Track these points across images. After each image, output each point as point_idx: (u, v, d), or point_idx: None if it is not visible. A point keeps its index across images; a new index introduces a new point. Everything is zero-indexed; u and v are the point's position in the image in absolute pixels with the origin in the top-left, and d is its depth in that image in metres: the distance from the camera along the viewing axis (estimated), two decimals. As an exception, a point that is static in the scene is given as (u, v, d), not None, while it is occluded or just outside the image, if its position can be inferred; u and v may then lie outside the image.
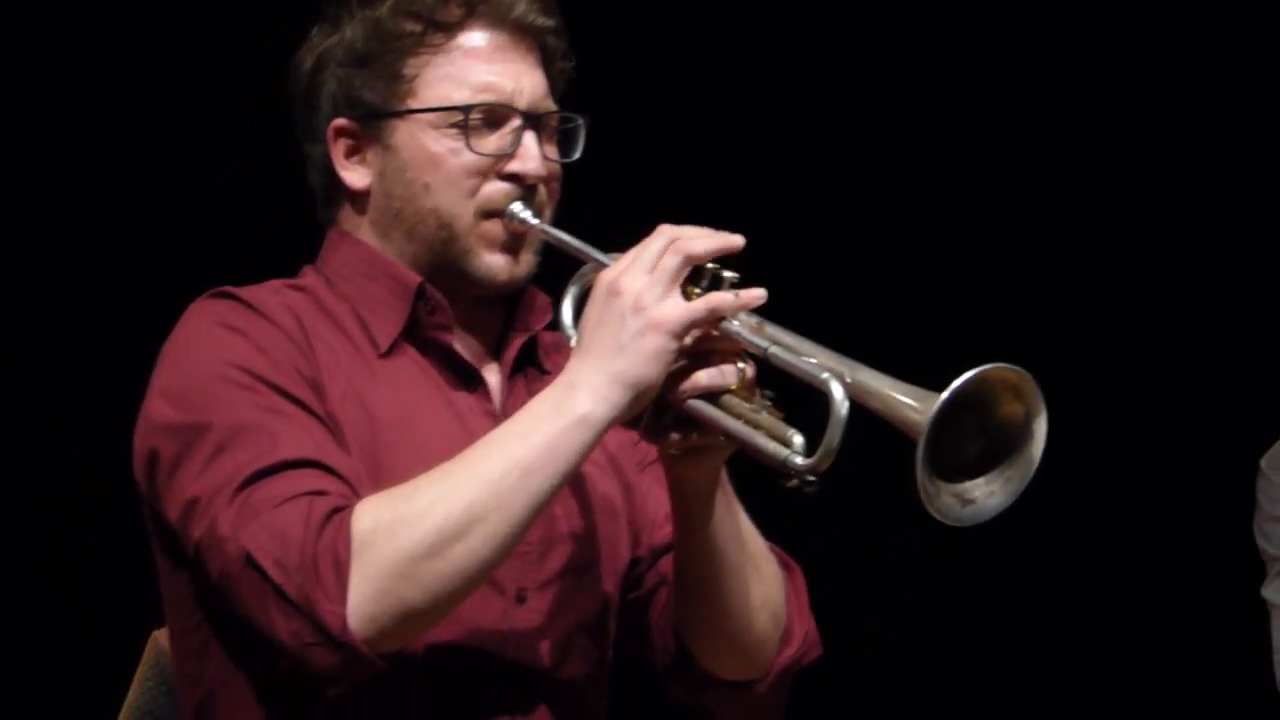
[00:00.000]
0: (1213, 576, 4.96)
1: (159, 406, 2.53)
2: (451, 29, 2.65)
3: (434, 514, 2.38)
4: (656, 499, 2.70)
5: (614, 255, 2.59)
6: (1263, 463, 4.13)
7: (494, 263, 2.64)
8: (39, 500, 4.61)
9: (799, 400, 2.44)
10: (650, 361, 2.43)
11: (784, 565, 2.71)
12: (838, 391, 2.35)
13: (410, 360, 2.65)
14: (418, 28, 2.65)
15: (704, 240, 2.47)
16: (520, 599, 2.60)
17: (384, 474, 2.52)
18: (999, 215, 5.23)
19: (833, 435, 2.35)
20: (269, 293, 2.63)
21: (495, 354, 2.71)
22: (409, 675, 2.49)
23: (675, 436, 2.50)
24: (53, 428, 4.65)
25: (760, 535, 2.66)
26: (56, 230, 4.56)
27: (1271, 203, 5.11)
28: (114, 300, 4.54)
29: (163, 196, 4.60)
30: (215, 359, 2.53)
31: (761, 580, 2.64)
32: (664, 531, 2.70)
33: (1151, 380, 5.21)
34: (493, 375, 2.69)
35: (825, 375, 2.37)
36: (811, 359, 2.41)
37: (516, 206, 2.64)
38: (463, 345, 2.68)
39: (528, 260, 2.67)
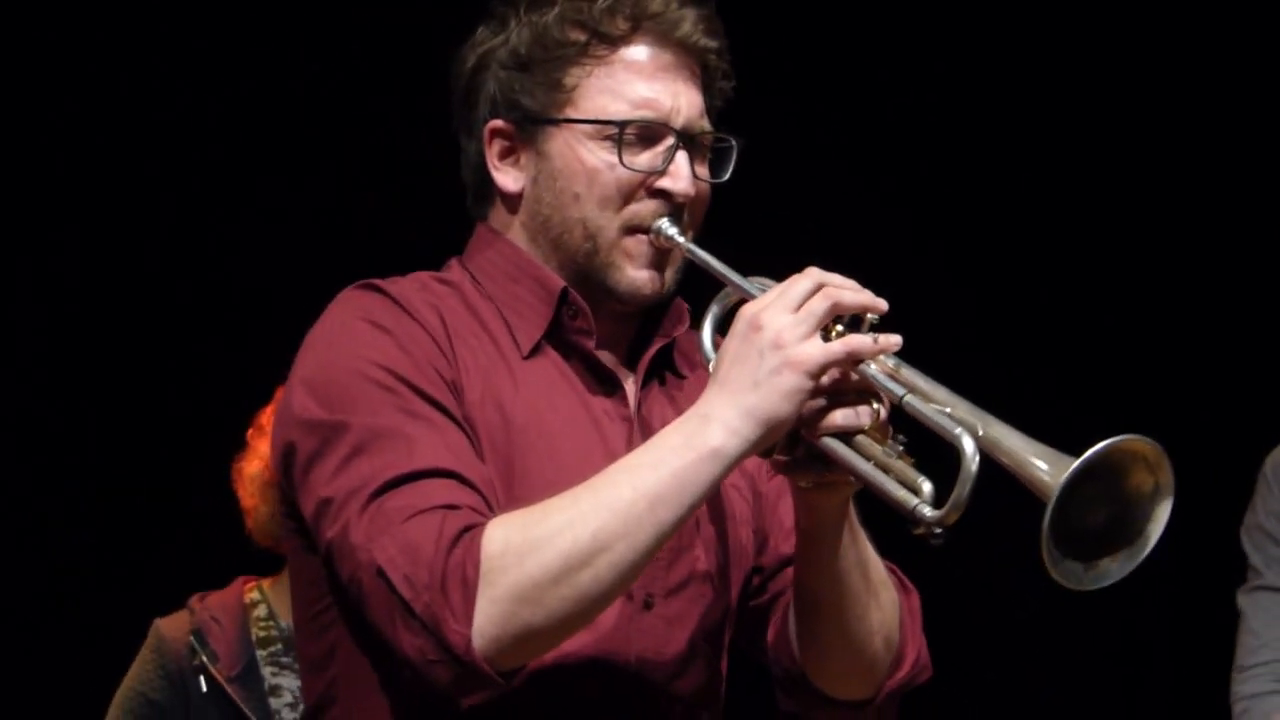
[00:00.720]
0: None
1: (300, 398, 2.56)
2: (615, 42, 2.66)
3: (561, 541, 2.41)
4: (785, 508, 2.73)
5: (755, 279, 2.63)
6: (1266, 464, 3.98)
7: (637, 278, 2.67)
8: (39, 500, 4.69)
9: (932, 445, 2.45)
10: (785, 399, 2.44)
11: (901, 586, 2.74)
12: (969, 447, 2.36)
13: (550, 363, 2.67)
14: (583, 37, 2.66)
15: (853, 294, 2.48)
16: (647, 605, 2.63)
17: (516, 477, 2.56)
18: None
19: (962, 490, 2.36)
20: (415, 287, 2.66)
21: (630, 361, 2.74)
22: (531, 679, 2.52)
23: (806, 471, 2.52)
24: (53, 422, 4.72)
25: (880, 561, 2.69)
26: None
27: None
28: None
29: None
30: (359, 356, 2.55)
31: (879, 607, 2.67)
32: (790, 542, 2.71)
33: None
34: (628, 381, 2.72)
35: (958, 430, 2.38)
36: (945, 409, 2.42)
37: (663, 223, 2.66)
38: (601, 352, 2.70)
39: (670, 277, 2.69)
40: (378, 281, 2.65)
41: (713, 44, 2.71)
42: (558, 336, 2.69)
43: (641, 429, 2.67)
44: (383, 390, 2.53)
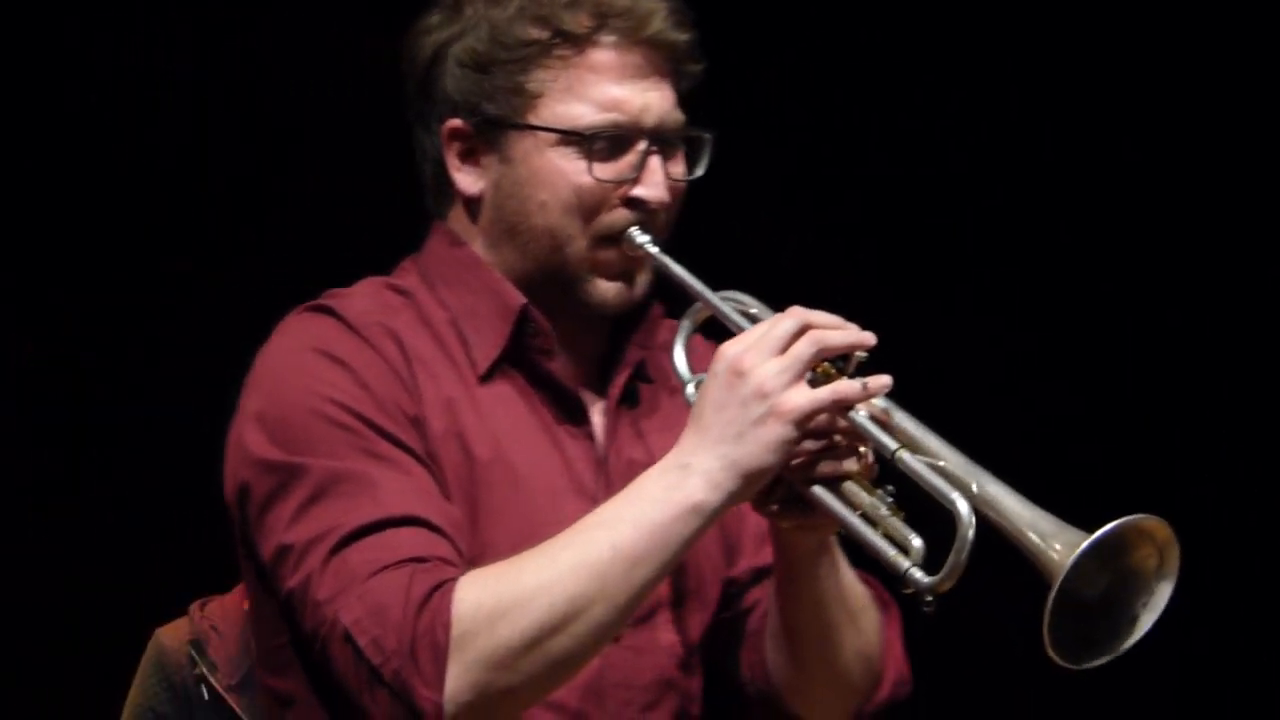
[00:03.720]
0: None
1: (253, 436, 2.46)
2: (579, 41, 2.52)
3: (537, 605, 2.32)
4: (755, 517, 2.59)
5: (726, 294, 2.53)
6: None
7: (607, 290, 2.56)
8: (40, 498, 4.56)
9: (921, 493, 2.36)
10: (769, 451, 2.34)
11: (880, 602, 2.64)
12: (964, 510, 2.27)
13: (510, 386, 2.56)
14: (544, 35, 2.52)
15: (839, 334, 2.37)
16: (615, 637, 2.52)
17: (483, 517, 2.47)
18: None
19: (958, 558, 2.27)
20: (367, 305, 2.54)
21: (599, 371, 2.62)
22: None
23: (788, 515, 2.43)
24: (56, 427, 4.57)
25: (859, 583, 2.59)
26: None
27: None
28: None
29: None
30: (313, 393, 2.45)
31: (859, 632, 2.58)
32: (763, 554, 2.63)
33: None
34: (595, 407, 2.61)
35: (954, 495, 2.29)
36: (939, 461, 2.32)
37: (634, 231, 2.54)
38: (564, 366, 2.59)
39: (642, 283, 2.57)
40: (328, 302, 2.54)
41: (683, 38, 2.57)
42: (517, 355, 2.57)
43: (609, 458, 2.57)
44: (342, 430, 2.42)
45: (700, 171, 2.59)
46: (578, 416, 2.58)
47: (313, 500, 2.39)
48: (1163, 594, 2.27)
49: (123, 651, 3.77)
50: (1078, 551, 2.19)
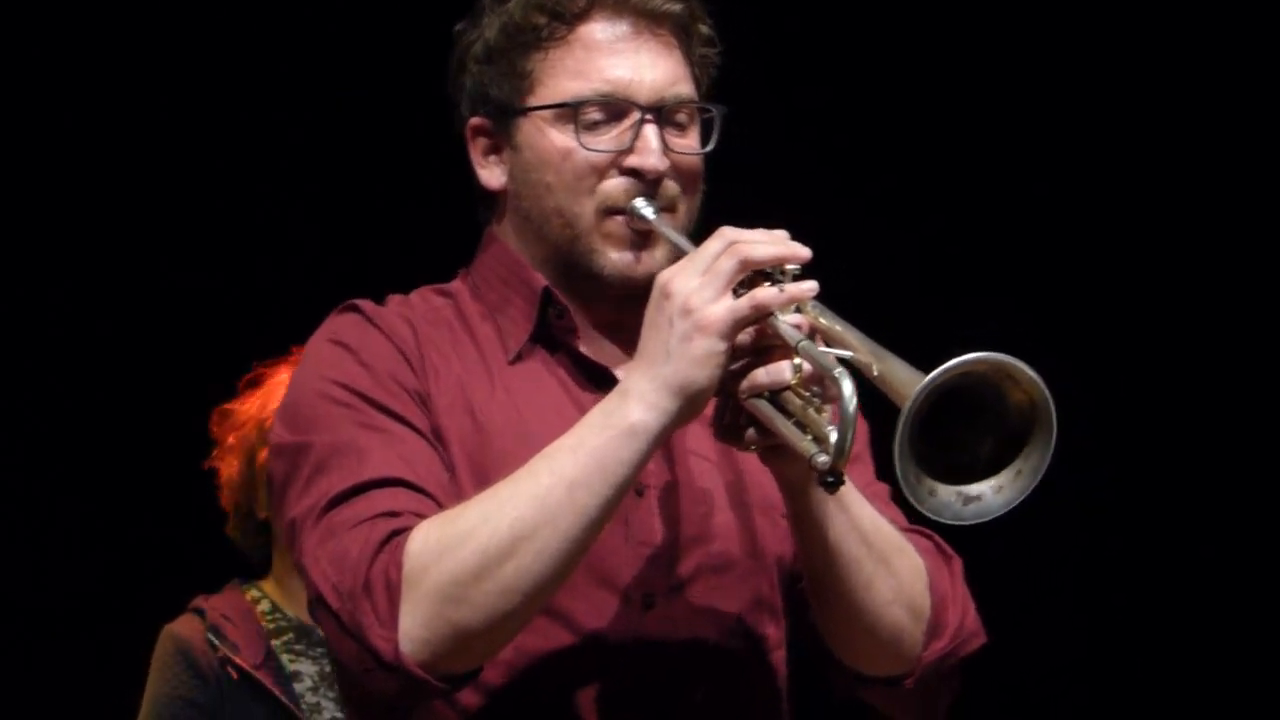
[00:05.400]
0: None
1: (276, 426, 2.57)
2: (572, 21, 2.58)
3: (478, 535, 2.36)
4: None
5: None
6: None
7: (620, 260, 2.58)
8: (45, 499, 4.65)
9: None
10: (698, 365, 2.36)
11: (939, 552, 2.59)
12: (847, 388, 2.27)
13: (540, 365, 2.60)
14: (543, 20, 2.58)
15: (765, 246, 2.39)
16: (648, 604, 2.52)
17: (494, 478, 2.47)
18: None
19: (843, 432, 2.27)
20: (399, 302, 2.63)
21: (627, 342, 2.60)
22: (524, 688, 2.47)
23: (751, 435, 2.41)
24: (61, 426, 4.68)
25: (892, 527, 2.54)
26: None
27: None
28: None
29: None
30: (320, 377, 2.54)
31: (891, 573, 2.51)
32: None
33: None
34: (623, 369, 2.59)
35: (837, 371, 2.29)
36: (845, 353, 2.32)
37: (638, 203, 2.56)
38: (597, 346, 2.62)
39: (660, 257, 2.57)
40: (360, 301, 2.62)
41: (677, 7, 2.60)
42: (547, 337, 2.61)
43: None
44: (340, 407, 2.51)
45: (710, 146, 2.61)
46: (605, 386, 2.57)
47: (314, 474, 2.47)
48: (1046, 421, 2.27)
49: (127, 651, 3.74)
50: (916, 388, 2.21)
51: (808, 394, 2.35)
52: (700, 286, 2.36)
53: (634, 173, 2.56)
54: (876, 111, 4.79)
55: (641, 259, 2.57)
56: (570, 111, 2.55)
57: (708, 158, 2.62)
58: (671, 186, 2.57)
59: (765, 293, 2.36)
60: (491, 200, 2.66)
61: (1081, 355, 4.71)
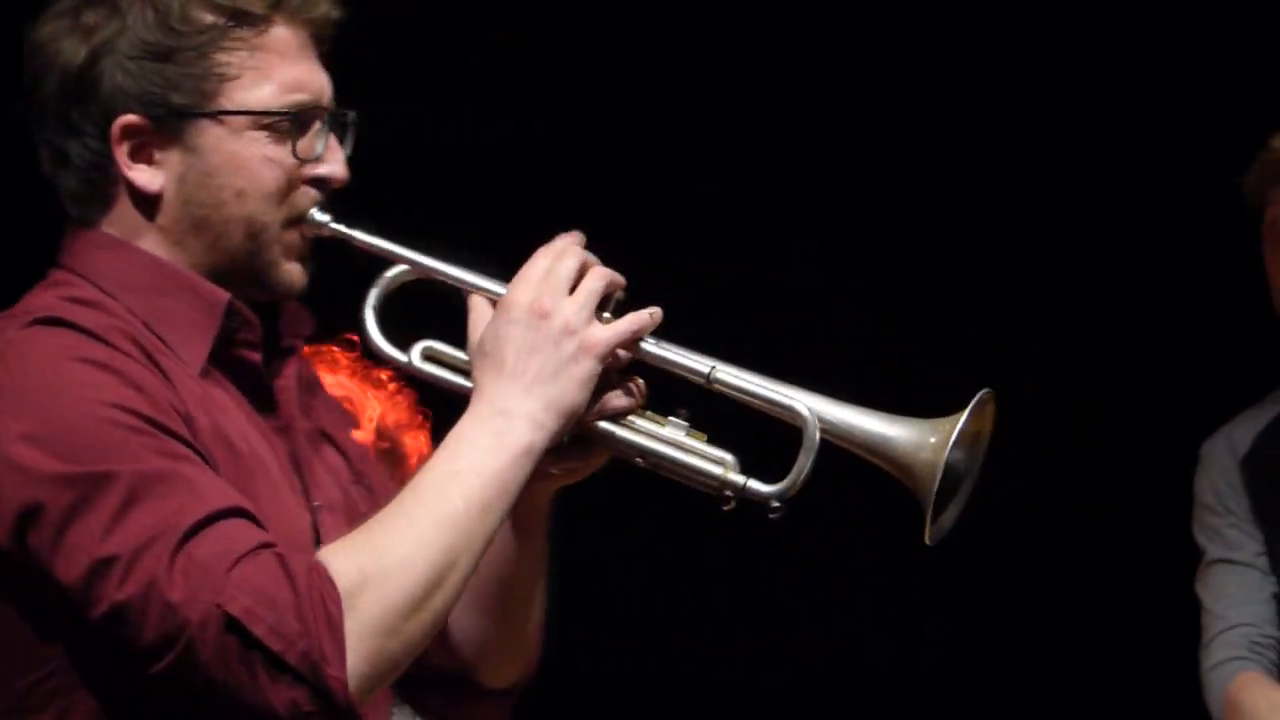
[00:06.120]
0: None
1: (30, 455, 2.30)
2: (258, 22, 2.48)
3: (417, 564, 2.32)
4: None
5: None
6: (1202, 450, 4.01)
7: (293, 272, 2.53)
8: None
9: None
10: (581, 387, 2.42)
11: None
12: (807, 414, 2.37)
13: (218, 382, 2.49)
14: (220, 20, 2.47)
15: (607, 269, 2.45)
16: None
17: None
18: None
19: (804, 462, 2.36)
20: (86, 315, 2.42)
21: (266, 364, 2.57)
22: None
23: (570, 458, 2.48)
24: None
25: None
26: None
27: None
28: None
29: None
30: (94, 400, 2.33)
31: (545, 599, 2.65)
32: None
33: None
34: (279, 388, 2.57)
35: (791, 400, 2.38)
36: (769, 388, 2.40)
37: (315, 212, 2.52)
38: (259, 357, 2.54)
39: (309, 267, 2.56)
40: (55, 314, 2.41)
41: (339, 18, 2.57)
42: (220, 352, 2.49)
43: (299, 448, 2.54)
44: (134, 433, 2.32)
45: (349, 151, 2.58)
46: (272, 403, 2.54)
47: (127, 506, 2.29)
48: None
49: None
50: (952, 437, 2.32)
51: (665, 419, 2.45)
52: (578, 309, 2.41)
53: (320, 182, 2.52)
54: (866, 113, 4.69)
55: (305, 272, 2.54)
56: (269, 119, 2.47)
57: None
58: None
59: (640, 317, 2.44)
60: (118, 203, 2.49)
61: (1082, 355, 4.63)
